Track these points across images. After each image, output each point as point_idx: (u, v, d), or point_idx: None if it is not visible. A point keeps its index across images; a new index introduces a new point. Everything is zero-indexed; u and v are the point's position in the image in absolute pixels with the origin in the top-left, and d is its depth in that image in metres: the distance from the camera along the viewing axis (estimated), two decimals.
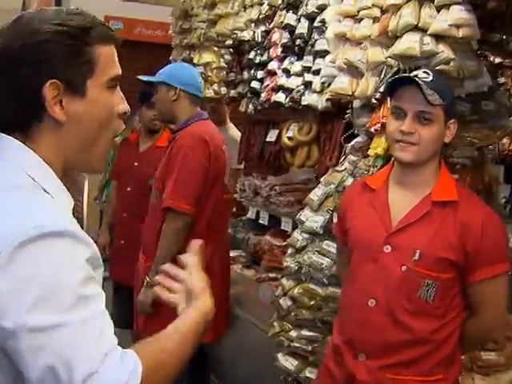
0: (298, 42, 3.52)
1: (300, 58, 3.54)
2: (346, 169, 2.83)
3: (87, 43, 1.15)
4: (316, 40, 3.31)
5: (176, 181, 3.06)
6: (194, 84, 3.31)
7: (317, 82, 3.53)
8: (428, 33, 2.25)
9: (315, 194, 2.85)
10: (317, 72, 3.30)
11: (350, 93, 2.65)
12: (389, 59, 2.43)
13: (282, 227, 3.92)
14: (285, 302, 2.86)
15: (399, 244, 1.93)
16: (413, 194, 1.96)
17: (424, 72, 1.94)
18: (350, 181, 2.84)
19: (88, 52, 1.16)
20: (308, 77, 3.52)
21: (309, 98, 3.54)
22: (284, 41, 3.61)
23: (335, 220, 2.41)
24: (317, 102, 3.49)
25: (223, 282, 3.45)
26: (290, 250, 2.96)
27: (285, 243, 4.34)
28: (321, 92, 3.56)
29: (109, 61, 1.19)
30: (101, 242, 4.54)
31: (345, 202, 2.21)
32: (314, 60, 3.35)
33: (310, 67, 3.40)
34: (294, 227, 4.10)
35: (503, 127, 2.82)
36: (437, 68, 2.22)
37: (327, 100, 3.49)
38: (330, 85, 3.20)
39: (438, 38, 2.25)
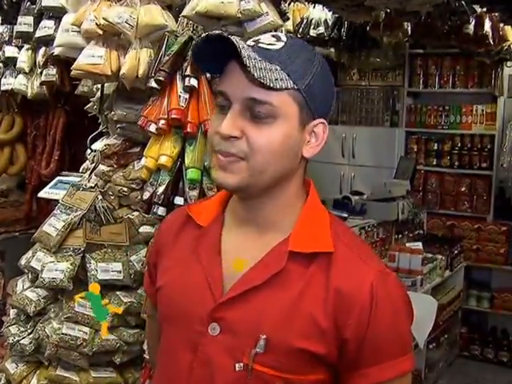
0: None
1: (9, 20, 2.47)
2: (97, 184, 1.92)
3: None
4: None
5: None
6: None
7: (24, 58, 2.52)
8: None
9: (52, 226, 1.86)
10: (43, 41, 2.27)
11: (110, 72, 1.73)
12: (172, 24, 1.60)
13: None
14: None
15: (234, 323, 1.08)
16: (261, 239, 1.11)
17: (273, 36, 1.06)
18: (100, 202, 1.94)
19: None
20: (9, 51, 2.52)
21: (11, 81, 2.72)
22: None
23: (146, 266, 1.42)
24: (24, 86, 2.53)
25: None
26: (12, 315, 1.90)
27: None
28: (29, 73, 2.58)
29: None
30: None
31: (159, 241, 1.28)
32: (37, 23, 2.30)
33: (28, 33, 2.34)
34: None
35: None
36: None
37: (42, 84, 2.53)
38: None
39: None
